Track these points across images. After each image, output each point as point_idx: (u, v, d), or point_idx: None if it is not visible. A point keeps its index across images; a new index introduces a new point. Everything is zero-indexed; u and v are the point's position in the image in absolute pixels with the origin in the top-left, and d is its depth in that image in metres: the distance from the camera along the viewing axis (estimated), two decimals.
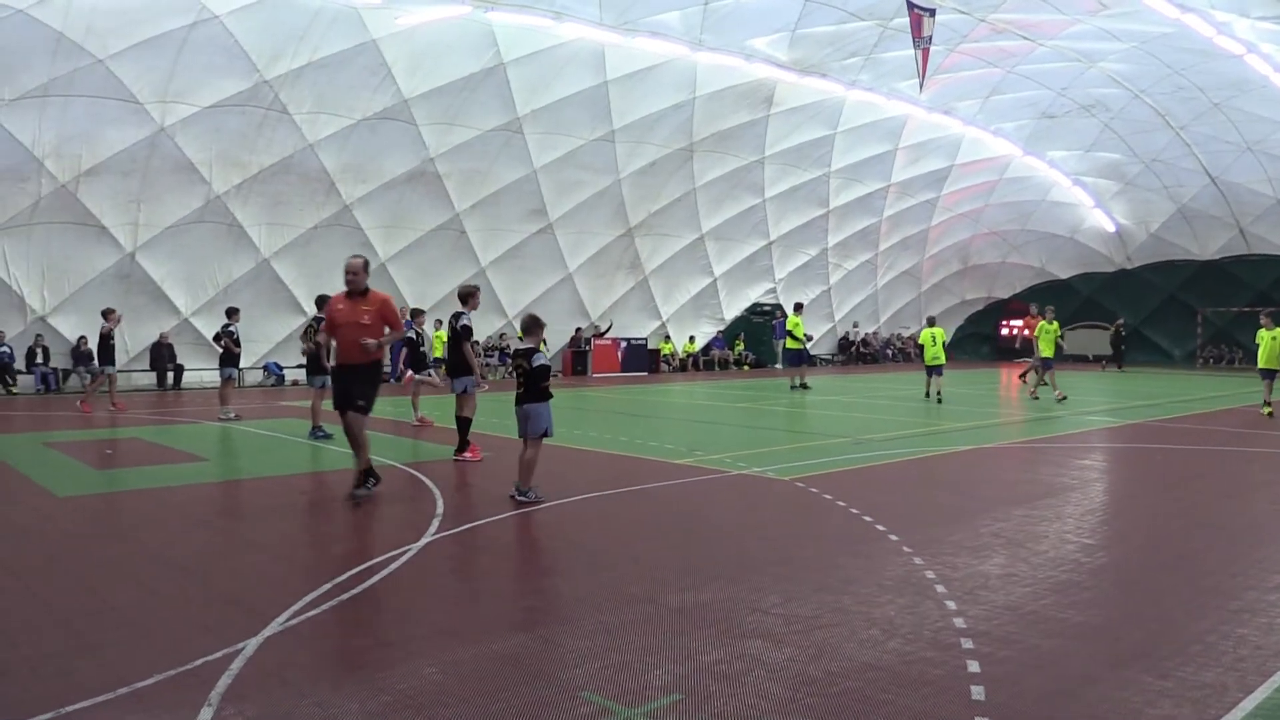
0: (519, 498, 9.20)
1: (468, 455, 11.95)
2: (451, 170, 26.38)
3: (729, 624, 5.58)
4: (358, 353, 9.15)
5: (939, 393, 21.56)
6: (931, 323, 23.58)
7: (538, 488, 9.31)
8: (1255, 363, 19.74)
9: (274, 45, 21.13)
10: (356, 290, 9.34)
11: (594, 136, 27.59)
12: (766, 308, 37.54)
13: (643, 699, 4.46)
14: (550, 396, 9.41)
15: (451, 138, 25.39)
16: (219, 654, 4.96)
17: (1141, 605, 6.18)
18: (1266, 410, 18.19)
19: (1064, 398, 20.99)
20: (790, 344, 25.54)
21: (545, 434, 9.38)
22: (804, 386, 24.53)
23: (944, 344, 22.57)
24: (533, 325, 9.66)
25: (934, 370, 21.94)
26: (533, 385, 9.27)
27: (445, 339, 13.22)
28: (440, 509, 8.92)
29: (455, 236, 27.92)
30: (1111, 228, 40.98)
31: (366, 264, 9.51)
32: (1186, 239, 39.61)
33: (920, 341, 24.22)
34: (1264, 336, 18.98)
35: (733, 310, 37.70)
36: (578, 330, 31.99)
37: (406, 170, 25.61)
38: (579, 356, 31.60)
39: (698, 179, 31.48)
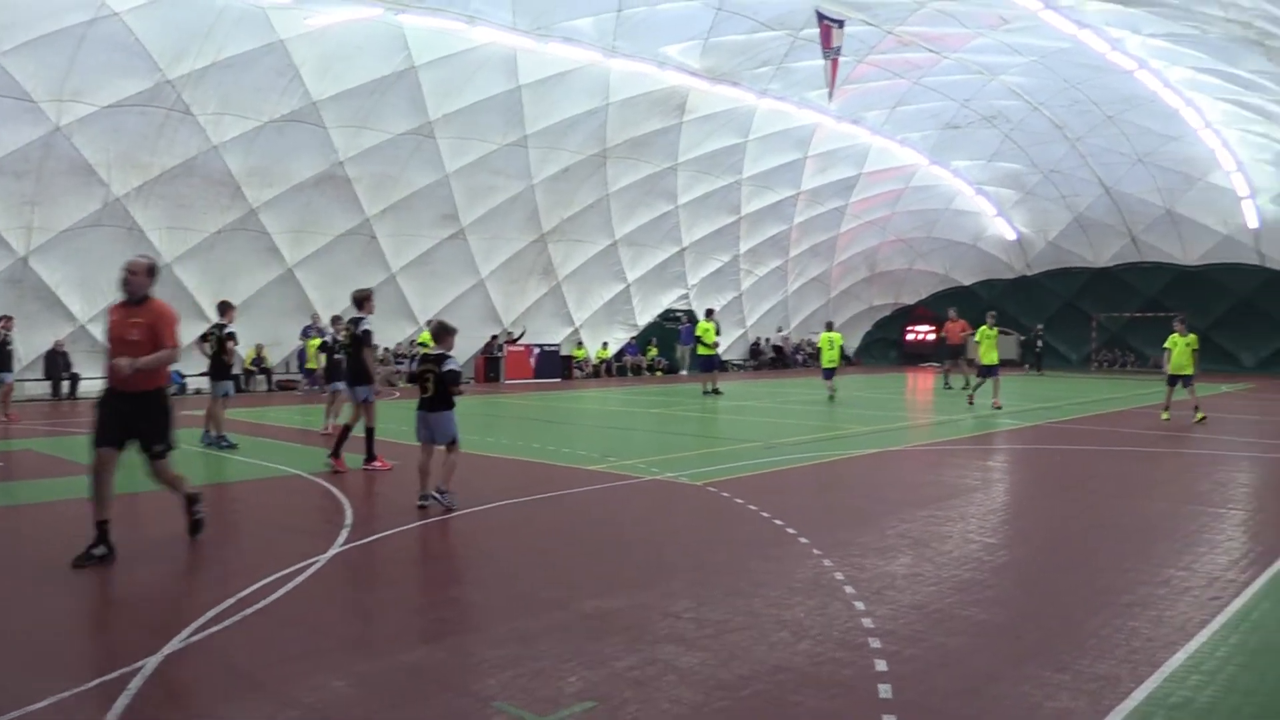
0: (437, 497, 9.11)
1: (376, 464, 11.75)
2: (361, 174, 25.99)
3: (642, 630, 5.60)
4: (130, 378, 7.13)
5: (832, 392, 23.45)
6: (830, 327, 25.40)
7: (453, 494, 9.24)
8: (1147, 366, 20.25)
9: (177, 44, 20.53)
10: (133, 298, 7.36)
11: (507, 141, 27.46)
12: (679, 314, 37.79)
13: (556, 707, 4.45)
14: (454, 404, 9.39)
15: (361, 141, 25.02)
16: (117, 673, 4.80)
17: (1041, 602, 6.39)
18: (1165, 415, 18.10)
19: (1000, 406, 20.44)
20: (702, 350, 25.80)
21: (454, 440, 9.40)
22: (716, 392, 24.72)
23: (841, 348, 23.98)
24: (442, 332, 9.64)
25: (829, 372, 23.83)
26: (442, 391, 9.24)
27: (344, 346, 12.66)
28: (349, 519, 8.77)
29: (365, 241, 27.50)
30: (1012, 236, 42.34)
31: (152, 267, 7.51)
32: (1082, 247, 41.19)
33: (819, 345, 25.76)
34: (1176, 341, 18.53)
35: (646, 316, 37.86)
36: (492, 337, 31.76)
37: (315, 174, 25.14)
38: (492, 363, 31.36)
39: (611, 185, 31.54)
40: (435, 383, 9.22)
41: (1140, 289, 40.36)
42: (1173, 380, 18.50)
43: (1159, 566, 7.20)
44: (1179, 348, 18.43)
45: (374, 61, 23.08)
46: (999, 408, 20.48)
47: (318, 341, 25.86)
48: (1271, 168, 31.75)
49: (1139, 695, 4.64)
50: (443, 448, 9.40)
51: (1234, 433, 16.65)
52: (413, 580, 7.23)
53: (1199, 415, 17.86)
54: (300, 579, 6.67)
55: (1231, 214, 35.83)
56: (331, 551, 7.50)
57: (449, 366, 9.27)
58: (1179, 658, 5.17)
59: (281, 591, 6.34)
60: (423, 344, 26.34)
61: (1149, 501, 10.26)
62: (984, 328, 21.64)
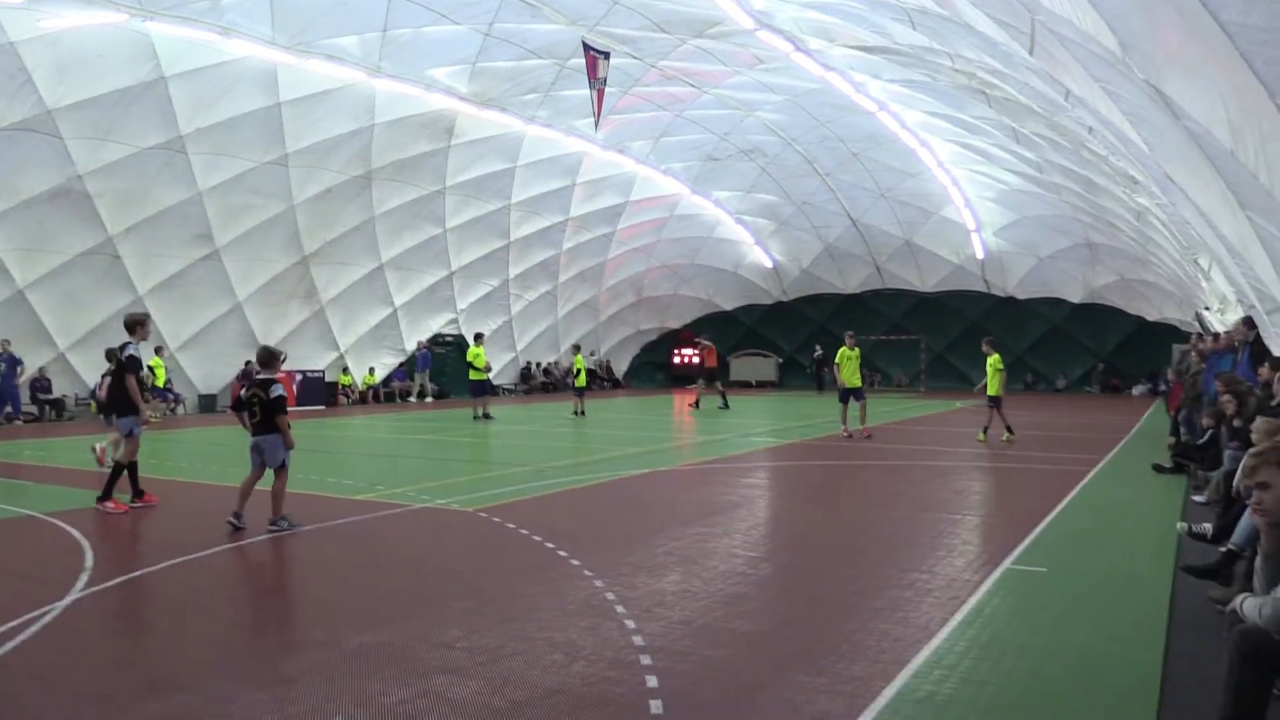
0: (271, 529, 9.29)
1: (109, 505, 10.59)
2: (104, 190, 24.12)
3: (412, 662, 5.48)
4: None
5: (583, 410, 26.18)
6: (577, 350, 28.55)
7: (290, 515, 9.47)
8: (888, 385, 21.41)
9: None
10: None
11: (266, 159, 26.28)
12: (449, 338, 37.34)
13: None
14: (281, 429, 9.66)
15: (104, 154, 23.21)
16: None
17: (800, 610, 6.72)
18: (845, 431, 19.33)
19: (850, 435, 19.43)
20: (473, 374, 25.61)
21: (283, 464, 9.70)
22: (487, 417, 24.56)
23: (586, 369, 27.68)
24: (269, 357, 10.02)
25: (580, 391, 27.15)
26: (269, 417, 9.58)
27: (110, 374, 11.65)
28: (89, 562, 8.09)
29: (108, 262, 25.54)
30: (769, 263, 44.65)
31: None
32: (833, 274, 44.12)
33: (574, 367, 28.40)
34: (844, 355, 19.48)
35: (414, 341, 37.13)
36: (247, 363, 30.19)
37: (49, 188, 23.10)
38: None
39: (377, 207, 30.79)
40: (261, 408, 9.60)
41: (885, 314, 43.74)
42: (847, 395, 19.41)
43: (904, 571, 7.73)
44: (848, 362, 19.12)
45: (118, 70, 21.53)
46: (858, 436, 19.30)
47: (159, 362, 24.67)
48: (994, 204, 35.12)
49: (889, 693, 4.97)
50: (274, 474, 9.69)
51: (967, 444, 18.10)
52: (162, 625, 6.74)
53: (844, 429, 18.84)
54: (31, 630, 6.09)
55: (962, 245, 39.47)
56: (69, 599, 6.89)
57: (276, 393, 9.61)
58: (923, 655, 5.58)
59: (8, 646, 5.77)
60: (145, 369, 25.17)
61: (896, 510, 10.99)
62: (844, 349, 19.94)
